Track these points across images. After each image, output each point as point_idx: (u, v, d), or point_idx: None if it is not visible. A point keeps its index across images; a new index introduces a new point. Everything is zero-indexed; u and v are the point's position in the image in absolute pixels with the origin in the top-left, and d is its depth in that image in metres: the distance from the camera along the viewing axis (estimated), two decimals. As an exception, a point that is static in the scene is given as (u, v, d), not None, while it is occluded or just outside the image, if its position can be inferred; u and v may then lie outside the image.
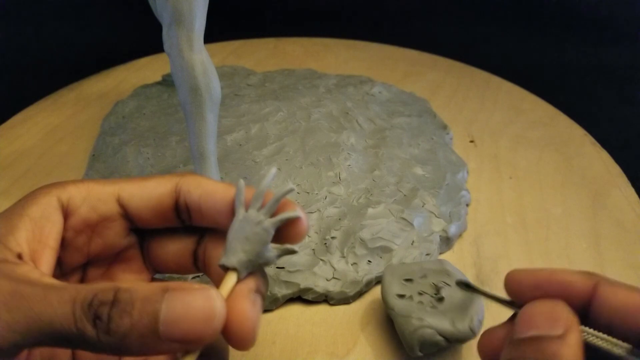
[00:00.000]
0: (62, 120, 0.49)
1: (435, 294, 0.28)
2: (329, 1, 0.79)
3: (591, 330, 0.18)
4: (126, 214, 0.20)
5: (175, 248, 0.22)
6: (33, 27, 0.72)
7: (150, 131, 0.43)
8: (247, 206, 0.19)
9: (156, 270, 0.23)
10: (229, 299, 0.18)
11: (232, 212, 0.19)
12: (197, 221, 0.21)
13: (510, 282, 0.20)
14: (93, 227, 0.20)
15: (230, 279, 0.19)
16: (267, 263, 0.19)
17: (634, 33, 0.71)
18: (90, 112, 0.50)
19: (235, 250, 0.19)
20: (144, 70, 0.57)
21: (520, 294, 0.19)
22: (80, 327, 0.16)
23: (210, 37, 0.63)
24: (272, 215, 0.19)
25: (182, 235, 0.22)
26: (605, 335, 0.17)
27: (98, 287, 0.16)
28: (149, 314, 0.16)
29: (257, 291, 0.19)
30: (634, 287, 0.18)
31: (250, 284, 0.19)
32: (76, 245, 0.20)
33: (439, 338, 0.26)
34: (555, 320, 0.17)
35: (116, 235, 0.21)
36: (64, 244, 0.20)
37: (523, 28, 0.74)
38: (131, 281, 0.22)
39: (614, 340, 0.17)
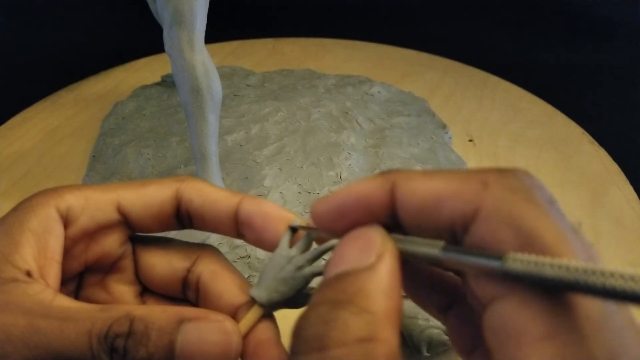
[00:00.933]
0: (61, 122, 0.49)
1: None
2: (326, 1, 0.79)
3: (402, 237, 0.15)
4: (126, 222, 0.20)
5: (164, 271, 0.21)
6: (31, 28, 0.72)
7: (150, 132, 0.43)
8: (292, 243, 0.18)
9: (145, 287, 0.21)
10: (253, 338, 0.18)
11: (234, 222, 0.19)
12: (199, 227, 0.20)
13: (314, 218, 0.16)
14: (91, 235, 0.19)
15: (255, 313, 0.18)
16: (295, 307, 0.19)
17: (633, 33, 0.72)
18: (90, 113, 0.50)
19: (269, 288, 0.18)
20: (143, 71, 0.57)
21: (328, 227, 0.16)
22: (97, 359, 0.16)
23: (208, 37, 0.63)
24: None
25: (173, 259, 0.21)
26: (415, 238, 0.15)
27: (112, 316, 0.16)
28: (165, 346, 0.16)
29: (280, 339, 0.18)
30: (432, 172, 0.15)
31: (276, 329, 0.18)
32: (74, 253, 0.19)
33: (446, 337, 0.26)
34: (366, 250, 0.14)
35: (114, 242, 0.20)
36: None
37: (521, 27, 0.74)
38: (127, 296, 0.21)
39: (425, 240, 0.14)
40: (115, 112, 0.47)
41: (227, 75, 0.52)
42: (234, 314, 0.19)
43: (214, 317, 0.17)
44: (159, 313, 0.17)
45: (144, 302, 0.21)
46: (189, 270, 0.20)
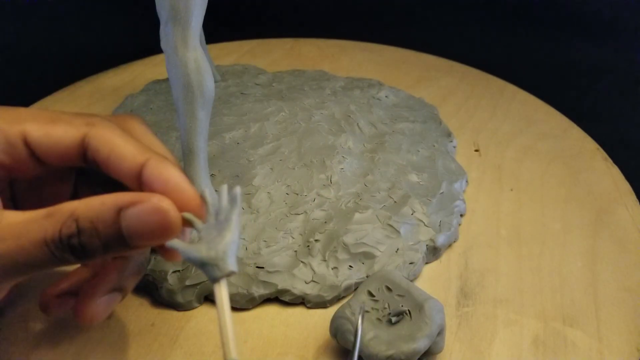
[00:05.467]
0: (76, 111, 0.50)
1: (390, 315, 0.27)
2: (349, 3, 0.78)
3: None
4: (33, 154, 0.21)
5: (60, 144, 0.21)
6: (60, 21, 0.74)
7: (154, 126, 0.44)
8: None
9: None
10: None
11: (139, 182, 0.20)
12: (105, 173, 0.21)
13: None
14: (9, 168, 0.21)
15: (225, 288, 0.19)
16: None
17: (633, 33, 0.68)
18: (104, 105, 0.51)
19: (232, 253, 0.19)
20: (160, 67, 0.58)
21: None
22: (61, 259, 0.19)
23: (229, 35, 0.64)
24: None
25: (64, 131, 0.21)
26: None
27: (58, 220, 0.18)
28: (114, 233, 0.18)
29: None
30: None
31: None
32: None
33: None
34: None
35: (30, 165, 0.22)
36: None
37: (550, 34, 0.72)
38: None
39: None
40: (125, 105, 0.48)
41: (238, 73, 0.53)
42: (140, 171, 0.20)
43: (147, 198, 0.19)
44: (98, 206, 0.18)
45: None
46: (84, 142, 0.21)
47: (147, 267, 0.29)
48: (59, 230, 0.18)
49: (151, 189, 0.19)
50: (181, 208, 0.19)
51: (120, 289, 0.23)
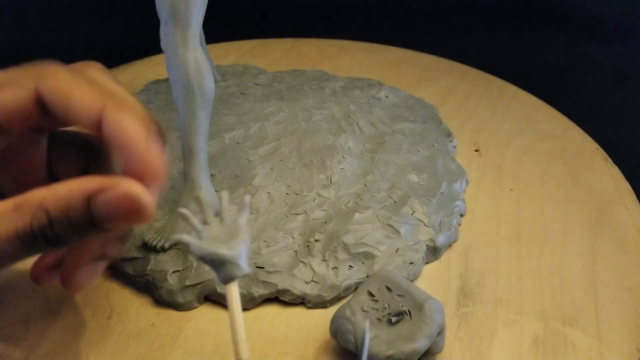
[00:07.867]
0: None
1: (390, 315, 0.27)
2: (350, 2, 0.78)
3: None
4: None
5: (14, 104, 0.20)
6: (60, 21, 0.74)
7: (154, 126, 0.44)
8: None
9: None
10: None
11: (99, 127, 0.19)
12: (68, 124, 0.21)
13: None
14: None
15: (236, 288, 0.19)
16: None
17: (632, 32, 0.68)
18: (104, 105, 0.51)
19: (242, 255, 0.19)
20: (161, 66, 0.58)
21: None
22: (34, 249, 0.18)
23: (229, 35, 0.64)
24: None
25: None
26: None
27: (27, 212, 0.18)
28: (87, 221, 0.18)
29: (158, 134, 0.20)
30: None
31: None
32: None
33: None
34: None
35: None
36: None
37: (550, 34, 0.72)
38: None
39: None
40: (125, 105, 0.48)
41: (238, 73, 0.53)
42: (100, 119, 0.19)
43: (116, 183, 0.18)
44: (66, 194, 0.18)
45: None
46: (38, 97, 0.20)
47: (131, 235, 0.28)
48: (30, 223, 0.18)
49: (111, 142, 0.19)
50: (139, 172, 0.19)
51: (103, 257, 0.23)
